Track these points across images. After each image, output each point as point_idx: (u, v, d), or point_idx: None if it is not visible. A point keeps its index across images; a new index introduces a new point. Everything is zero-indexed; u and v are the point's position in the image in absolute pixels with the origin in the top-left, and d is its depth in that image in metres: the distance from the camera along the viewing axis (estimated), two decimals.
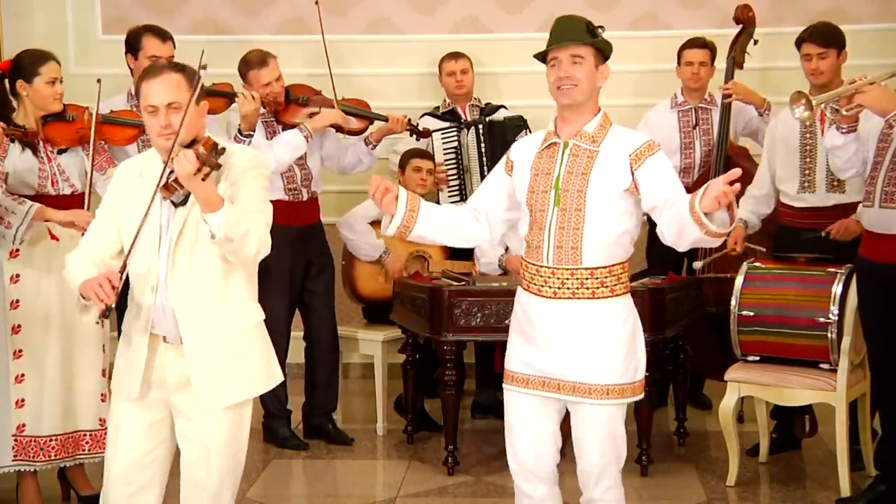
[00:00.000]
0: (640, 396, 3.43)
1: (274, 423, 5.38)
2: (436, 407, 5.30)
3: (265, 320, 5.59)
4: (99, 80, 4.49)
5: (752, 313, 4.64)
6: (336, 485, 4.92)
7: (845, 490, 4.49)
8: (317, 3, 5.60)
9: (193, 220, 3.15)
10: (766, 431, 5.03)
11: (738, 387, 4.68)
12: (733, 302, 4.67)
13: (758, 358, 4.70)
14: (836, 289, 4.49)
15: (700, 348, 5.45)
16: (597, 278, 3.29)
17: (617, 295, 3.32)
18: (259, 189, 3.23)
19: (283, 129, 5.26)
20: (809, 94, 4.17)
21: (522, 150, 3.45)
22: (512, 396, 3.41)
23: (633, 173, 3.27)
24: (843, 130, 4.25)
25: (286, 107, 5.29)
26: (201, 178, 3.01)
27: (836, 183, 4.82)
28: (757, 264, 4.81)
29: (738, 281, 4.72)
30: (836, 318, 4.46)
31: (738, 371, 4.70)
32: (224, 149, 3.08)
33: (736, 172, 3.07)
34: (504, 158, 3.49)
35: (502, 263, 5.53)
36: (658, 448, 5.06)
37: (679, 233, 3.21)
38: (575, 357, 3.29)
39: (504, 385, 3.45)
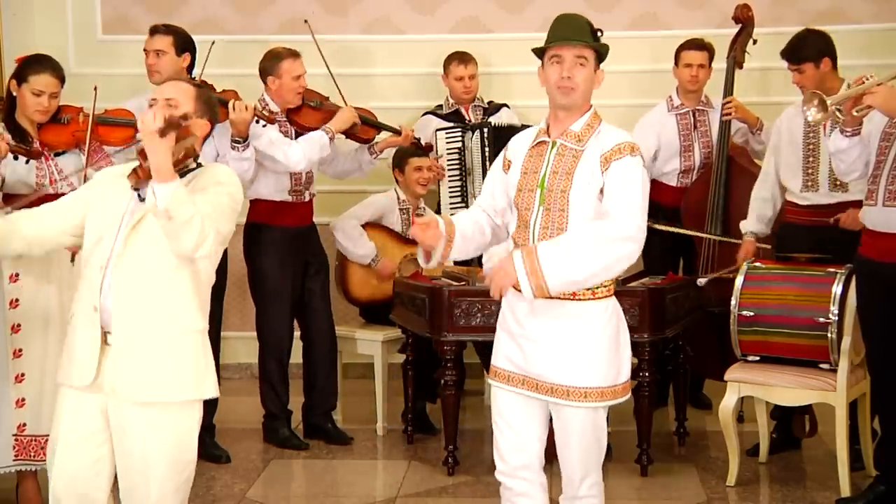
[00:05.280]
0: (623, 399, 3.35)
1: (274, 423, 5.38)
2: (436, 407, 5.30)
3: (267, 322, 5.55)
4: (95, 88, 4.54)
5: (752, 313, 4.64)
6: (336, 485, 4.92)
7: (845, 490, 4.49)
8: (306, 21, 5.62)
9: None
10: (766, 431, 5.03)
11: (738, 387, 4.68)
12: (733, 302, 4.67)
13: (758, 358, 4.70)
14: (836, 289, 4.49)
15: (700, 348, 5.45)
16: None
17: (598, 298, 3.26)
18: (220, 202, 3.19)
19: (296, 131, 5.25)
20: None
21: (517, 147, 3.40)
22: (497, 393, 3.40)
23: (602, 175, 3.21)
24: (848, 133, 4.19)
25: (300, 109, 5.27)
26: (163, 141, 3.01)
27: (838, 182, 4.80)
28: (757, 264, 4.80)
29: (738, 281, 4.71)
30: (836, 318, 4.46)
31: (738, 371, 4.70)
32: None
33: None
34: (501, 157, 3.43)
35: None
36: (658, 448, 5.06)
37: None
38: (554, 358, 3.26)
39: (489, 379, 3.45)
